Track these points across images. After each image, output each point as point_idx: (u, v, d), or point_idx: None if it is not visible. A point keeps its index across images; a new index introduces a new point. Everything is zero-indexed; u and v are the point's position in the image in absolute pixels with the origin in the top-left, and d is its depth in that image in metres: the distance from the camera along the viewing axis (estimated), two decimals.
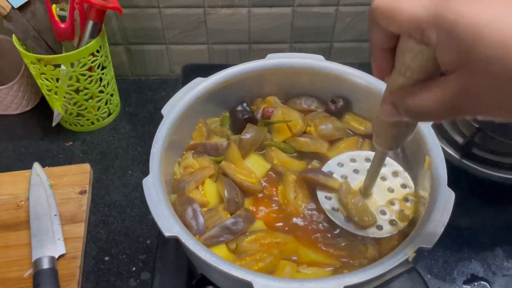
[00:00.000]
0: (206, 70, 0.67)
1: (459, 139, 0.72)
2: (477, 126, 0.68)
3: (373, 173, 0.52)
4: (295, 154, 0.64)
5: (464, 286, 0.62)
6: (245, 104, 0.67)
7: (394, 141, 0.44)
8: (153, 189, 0.50)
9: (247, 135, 0.61)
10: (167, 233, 0.45)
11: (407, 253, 0.43)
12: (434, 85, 0.33)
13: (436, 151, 0.55)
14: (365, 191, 0.54)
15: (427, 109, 0.33)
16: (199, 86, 0.63)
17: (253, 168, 0.61)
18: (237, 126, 0.65)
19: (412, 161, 0.60)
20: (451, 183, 0.51)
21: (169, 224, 0.46)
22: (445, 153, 0.70)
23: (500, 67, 0.27)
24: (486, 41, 0.27)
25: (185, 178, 0.59)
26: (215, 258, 0.43)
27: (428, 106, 0.33)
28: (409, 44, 0.34)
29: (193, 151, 0.63)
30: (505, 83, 0.28)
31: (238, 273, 0.41)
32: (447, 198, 0.49)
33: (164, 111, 0.60)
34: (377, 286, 0.41)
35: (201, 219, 0.53)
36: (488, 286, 0.62)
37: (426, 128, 0.57)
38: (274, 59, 0.66)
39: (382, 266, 0.41)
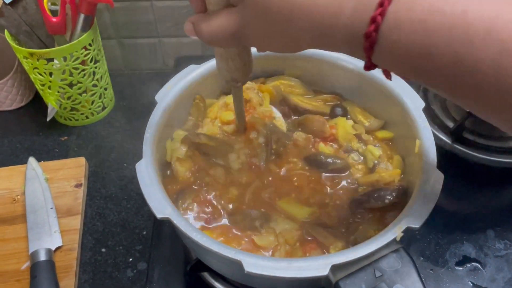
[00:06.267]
0: (199, 61, 0.67)
1: (450, 124, 0.73)
2: (468, 111, 0.69)
3: (238, 109, 0.57)
4: None
5: (456, 268, 0.63)
6: None
7: (231, 73, 0.49)
8: (146, 172, 0.50)
9: None
10: (159, 215, 0.46)
11: (395, 232, 0.43)
12: (221, 14, 0.39)
13: (426, 134, 0.55)
14: (239, 127, 0.60)
15: (214, 33, 0.39)
16: (193, 73, 0.63)
17: None
18: None
19: (403, 145, 0.61)
20: (443, 168, 0.51)
21: (161, 206, 0.47)
22: (436, 138, 0.71)
23: (262, 3, 0.34)
24: None
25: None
26: (206, 239, 0.43)
27: (215, 32, 0.39)
28: None
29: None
30: (267, 16, 0.35)
31: (227, 253, 0.42)
32: (437, 179, 0.49)
33: (157, 97, 0.60)
34: (366, 266, 0.41)
35: None
36: (480, 267, 0.63)
37: (417, 113, 0.57)
38: None
39: (370, 246, 0.42)
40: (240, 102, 0.57)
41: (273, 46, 0.39)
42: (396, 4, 0.30)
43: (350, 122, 0.63)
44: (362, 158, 0.61)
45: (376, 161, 0.59)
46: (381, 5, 0.31)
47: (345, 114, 0.66)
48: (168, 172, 0.59)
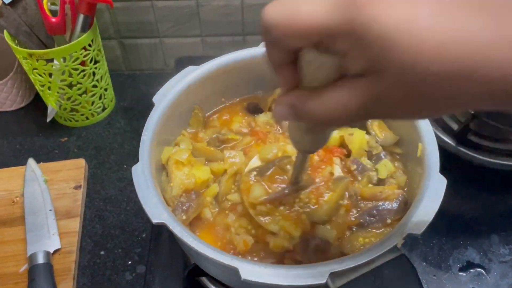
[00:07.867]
0: (200, 62, 0.66)
1: (454, 126, 0.72)
2: (473, 112, 0.67)
3: (298, 169, 0.50)
4: None
5: (459, 273, 0.62)
6: None
7: (313, 146, 0.42)
8: (142, 176, 0.49)
9: None
10: (154, 220, 0.45)
11: (396, 239, 0.42)
12: (340, 87, 0.29)
13: (429, 138, 0.54)
14: (294, 181, 0.52)
15: (333, 114, 0.30)
16: (192, 74, 0.62)
17: None
18: None
19: (405, 148, 0.59)
20: (447, 170, 0.50)
21: (157, 211, 0.46)
22: (441, 140, 0.70)
23: (413, 73, 0.26)
24: (399, 49, 0.25)
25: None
26: (201, 245, 0.43)
27: (334, 111, 0.30)
28: (310, 55, 0.30)
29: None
30: (418, 88, 0.26)
31: (224, 259, 0.41)
32: (439, 185, 0.48)
33: (155, 99, 0.59)
34: (366, 273, 0.41)
35: None
36: (484, 272, 0.62)
37: None
38: None
39: (371, 252, 0.41)
40: (304, 163, 0.49)
41: (417, 116, 0.30)
42: None
43: (367, 136, 0.59)
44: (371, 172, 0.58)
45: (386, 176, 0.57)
46: None
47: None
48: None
